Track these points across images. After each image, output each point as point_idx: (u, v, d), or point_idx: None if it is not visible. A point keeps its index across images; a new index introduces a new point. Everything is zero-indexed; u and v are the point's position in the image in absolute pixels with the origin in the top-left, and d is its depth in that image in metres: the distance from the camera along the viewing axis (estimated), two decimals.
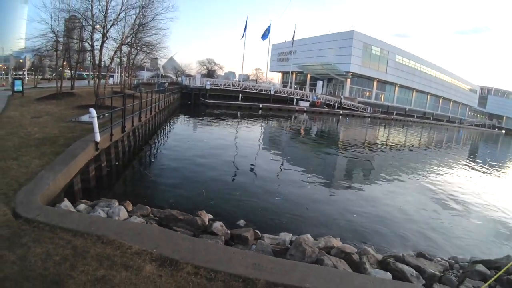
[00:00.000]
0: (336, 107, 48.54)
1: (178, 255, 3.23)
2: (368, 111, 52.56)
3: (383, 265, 4.51)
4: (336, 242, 5.26)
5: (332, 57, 56.31)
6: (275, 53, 72.86)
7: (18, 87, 16.19)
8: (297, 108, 43.64)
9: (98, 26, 15.50)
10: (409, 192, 10.77)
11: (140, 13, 17.68)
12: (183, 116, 27.26)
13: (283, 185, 9.45)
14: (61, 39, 16.93)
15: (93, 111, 6.99)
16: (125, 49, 20.04)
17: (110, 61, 19.01)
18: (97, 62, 16.27)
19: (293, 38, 52.49)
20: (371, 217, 7.48)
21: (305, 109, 44.13)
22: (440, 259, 5.24)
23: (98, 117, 7.46)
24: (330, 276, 3.32)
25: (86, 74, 42.15)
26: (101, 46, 15.49)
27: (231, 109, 35.57)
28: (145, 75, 68.47)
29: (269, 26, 48.86)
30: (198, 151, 12.74)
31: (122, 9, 15.73)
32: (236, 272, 3.03)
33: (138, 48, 21.29)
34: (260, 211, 7.01)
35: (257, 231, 5.16)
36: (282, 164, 12.52)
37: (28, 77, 34.04)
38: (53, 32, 15.54)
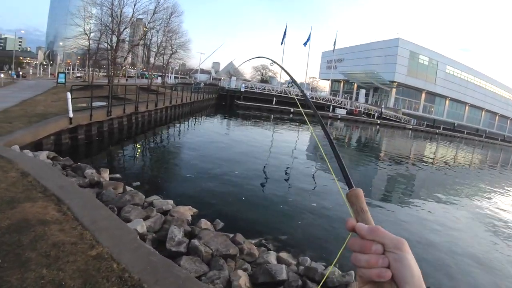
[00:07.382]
0: (375, 117, 47.90)
1: (32, 172, 5.55)
2: (412, 123, 50.64)
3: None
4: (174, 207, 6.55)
5: (378, 65, 55.10)
6: (324, 61, 73.30)
7: (61, 79, 20.45)
8: (330, 114, 44.16)
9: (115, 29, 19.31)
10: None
11: (152, 18, 21.30)
12: (212, 115, 29.42)
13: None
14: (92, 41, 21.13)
15: (68, 94, 9.78)
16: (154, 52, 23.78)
17: (124, 59, 22.99)
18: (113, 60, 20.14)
19: (334, 45, 52.99)
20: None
21: (339, 116, 44.45)
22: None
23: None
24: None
25: (147, 74, 46.60)
26: (116, 46, 19.22)
27: (261, 111, 37.57)
28: (200, 77, 73.60)
29: (310, 33, 50.28)
30: (190, 141, 15.35)
31: (134, 15, 19.30)
32: (48, 187, 5.21)
33: (166, 50, 25.14)
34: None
35: (127, 186, 6.81)
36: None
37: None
38: (86, 34, 19.72)
